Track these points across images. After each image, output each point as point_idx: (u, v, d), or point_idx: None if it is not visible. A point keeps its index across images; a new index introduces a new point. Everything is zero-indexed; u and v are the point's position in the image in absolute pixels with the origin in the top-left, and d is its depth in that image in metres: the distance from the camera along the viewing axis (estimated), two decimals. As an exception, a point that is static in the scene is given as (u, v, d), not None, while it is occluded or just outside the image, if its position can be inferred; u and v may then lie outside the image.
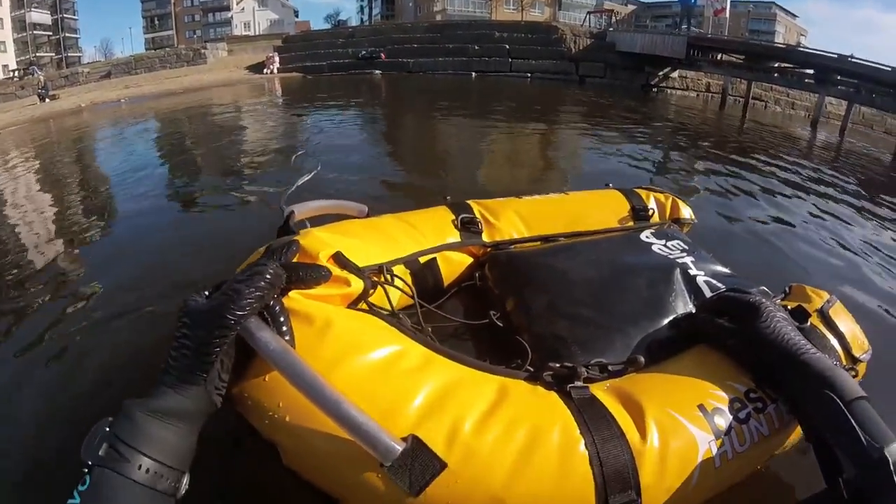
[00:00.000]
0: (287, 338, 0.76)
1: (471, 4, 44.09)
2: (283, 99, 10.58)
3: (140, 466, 0.63)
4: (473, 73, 17.69)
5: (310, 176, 1.61)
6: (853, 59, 14.20)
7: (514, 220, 1.49)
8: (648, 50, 17.55)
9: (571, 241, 1.47)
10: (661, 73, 18.38)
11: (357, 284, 0.98)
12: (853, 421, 0.74)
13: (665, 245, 1.42)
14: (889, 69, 13.26)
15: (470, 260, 1.41)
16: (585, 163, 4.28)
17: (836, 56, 15.26)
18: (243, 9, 53.59)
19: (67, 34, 54.38)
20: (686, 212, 1.76)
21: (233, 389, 0.77)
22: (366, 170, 3.29)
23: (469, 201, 1.51)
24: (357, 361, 0.77)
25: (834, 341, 1.08)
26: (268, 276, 0.75)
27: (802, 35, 71.76)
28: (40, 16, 49.65)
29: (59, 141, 7.54)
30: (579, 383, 0.88)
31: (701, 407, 0.87)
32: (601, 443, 0.77)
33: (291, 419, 0.73)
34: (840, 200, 3.71)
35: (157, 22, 59.68)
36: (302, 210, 1.26)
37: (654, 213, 1.71)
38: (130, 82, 21.40)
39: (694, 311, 1.16)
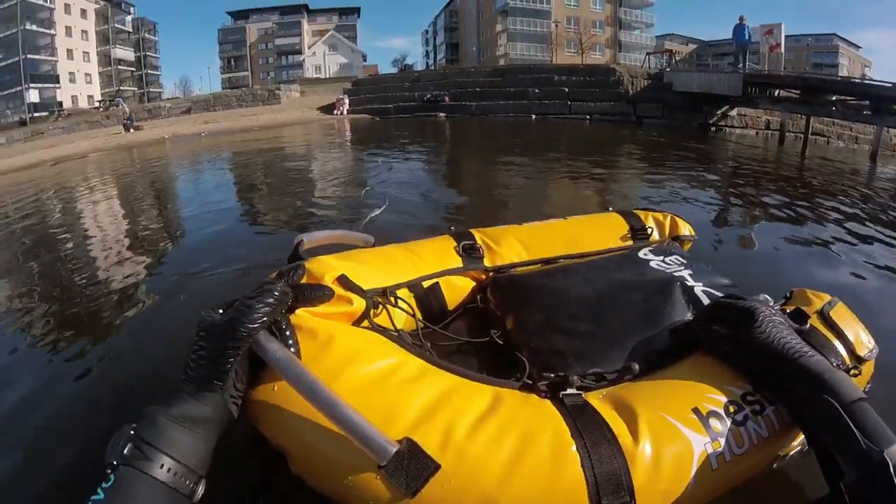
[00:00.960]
0: (293, 350, 0.83)
1: (532, 48, 44.94)
2: (352, 138, 10.97)
3: (162, 465, 0.68)
4: (534, 116, 18.12)
5: (378, 211, 1.93)
6: None
7: (514, 245, 1.54)
8: (705, 89, 17.70)
9: (570, 262, 1.51)
10: (718, 112, 18.40)
11: (360, 304, 1.05)
12: (852, 424, 0.74)
13: (663, 261, 1.46)
14: None
15: (472, 284, 1.46)
16: (640, 204, 4.05)
17: (890, 85, 15.03)
18: (314, 53, 56.97)
19: (149, 70, 58.89)
20: (685, 229, 1.82)
21: (245, 400, 0.84)
22: (428, 208, 3.37)
23: (471, 230, 1.57)
24: (357, 371, 0.83)
25: (836, 342, 1.09)
26: (276, 294, 0.84)
27: (867, 66, 68.73)
28: (124, 52, 53.79)
29: (144, 167, 8.19)
30: (572, 391, 0.93)
31: (695, 410, 0.89)
32: (592, 446, 0.80)
33: (297, 425, 0.79)
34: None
35: (233, 63, 64.05)
36: (311, 239, 1.32)
37: (652, 231, 1.77)
38: (209, 118, 22.84)
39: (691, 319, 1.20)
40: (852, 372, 1.07)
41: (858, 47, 69.41)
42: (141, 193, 5.46)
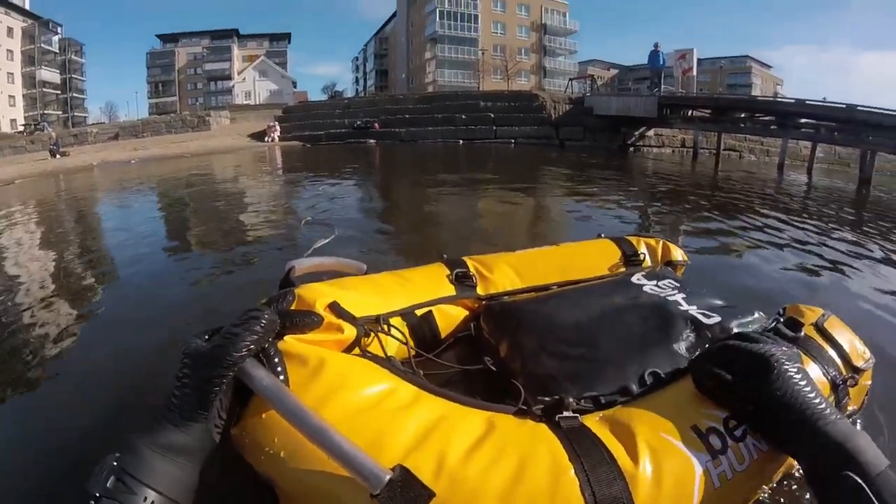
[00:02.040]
0: (281, 377, 0.81)
1: (460, 75, 45.71)
2: (285, 166, 10.87)
3: (146, 499, 0.67)
4: (461, 141, 18.49)
5: (327, 240, 1.88)
6: (809, 102, 15.03)
7: (507, 272, 1.53)
8: (623, 112, 18.49)
9: (564, 289, 1.50)
10: (636, 133, 19.28)
11: (350, 331, 1.03)
12: (875, 501, 0.69)
13: (656, 285, 1.45)
14: (843, 106, 13.92)
15: (465, 313, 1.43)
16: (568, 218, 4.50)
17: (793, 101, 16.25)
18: (244, 79, 55.80)
19: (75, 94, 56.11)
20: (678, 254, 1.83)
21: (232, 430, 0.82)
22: (367, 231, 3.38)
23: (464, 258, 1.55)
24: (347, 398, 0.81)
25: (832, 352, 1.11)
26: (263, 321, 0.82)
27: (779, 84, 74.00)
28: (50, 74, 51.23)
29: (73, 196, 7.88)
30: (568, 413, 0.90)
31: (694, 428, 0.87)
32: (591, 469, 0.77)
33: (286, 455, 0.76)
34: (809, 229, 4.22)
35: (161, 88, 62.03)
36: (302, 265, 1.33)
37: (645, 257, 1.77)
38: (138, 144, 22.16)
39: (690, 345, 1.18)
40: (848, 383, 1.08)
41: (770, 67, 74.39)
42: (69, 225, 5.15)
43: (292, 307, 1.01)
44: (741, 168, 14.51)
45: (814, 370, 1.05)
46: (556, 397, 0.93)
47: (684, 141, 19.93)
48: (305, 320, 0.95)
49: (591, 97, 20.75)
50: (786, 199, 6.73)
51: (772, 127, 16.28)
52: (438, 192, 5.75)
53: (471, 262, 1.53)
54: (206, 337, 0.83)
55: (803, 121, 15.56)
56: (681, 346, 1.16)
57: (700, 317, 1.25)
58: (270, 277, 2.21)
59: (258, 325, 0.81)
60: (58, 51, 52.65)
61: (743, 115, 17.30)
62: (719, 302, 1.36)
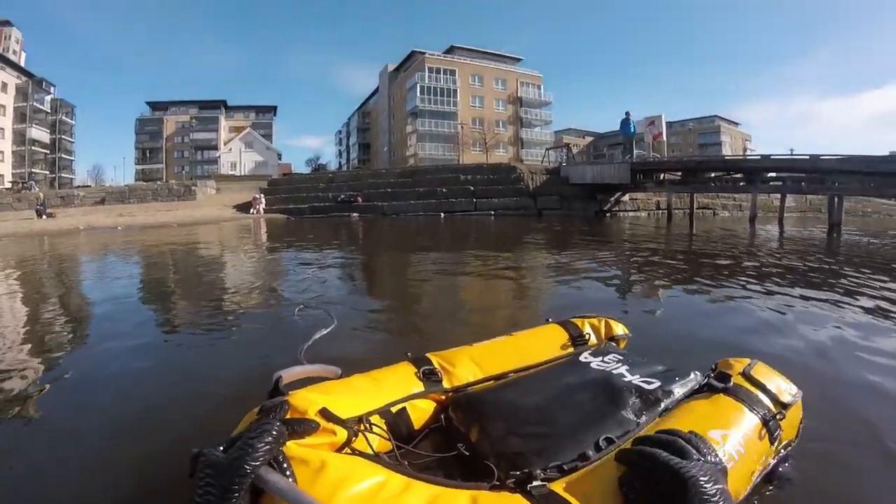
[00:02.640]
0: (291, 479, 0.89)
1: (440, 148, 46.86)
2: (273, 241, 10.82)
3: None
4: (442, 214, 18.86)
5: (327, 330, 1.91)
6: (774, 157, 15.76)
7: (468, 365, 1.64)
8: (598, 179, 19.16)
9: (521, 375, 1.64)
10: (612, 199, 19.92)
11: (342, 434, 1.15)
12: None
13: (602, 360, 1.62)
14: (806, 158, 14.59)
15: (434, 405, 1.53)
16: (548, 290, 4.60)
17: (758, 157, 16.99)
18: (231, 149, 56.60)
19: (63, 155, 56.29)
20: (619, 329, 2.02)
21: None
22: (361, 319, 3.32)
23: (428, 354, 1.66)
24: (349, 492, 0.89)
25: (760, 394, 1.32)
26: (274, 433, 0.91)
27: (747, 140, 76.45)
28: (40, 133, 51.26)
29: (58, 260, 7.77)
30: (537, 482, 1.02)
31: None
32: None
33: None
34: (776, 282, 4.54)
35: (148, 154, 62.29)
36: (288, 374, 1.41)
37: (590, 336, 1.95)
38: (124, 210, 22.41)
39: (636, 409, 1.34)
40: (777, 417, 1.28)
41: (737, 124, 77.05)
42: (52, 289, 5.12)
43: (288, 416, 1.10)
44: (716, 225, 14.95)
45: (744, 412, 1.27)
46: (525, 470, 1.08)
47: (658, 203, 20.55)
48: (304, 427, 1.06)
49: (567, 167, 21.50)
50: (756, 254, 6.97)
51: (741, 183, 16.99)
52: (423, 271, 5.82)
53: (434, 359, 1.63)
54: (223, 448, 0.91)
55: (770, 174, 16.29)
56: (628, 413, 1.33)
57: (643, 384, 1.44)
58: (258, 365, 2.16)
59: (270, 436, 0.91)
60: (49, 110, 53.13)
61: (712, 175, 17.97)
62: (660, 367, 1.56)
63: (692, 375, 1.50)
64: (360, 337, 2.85)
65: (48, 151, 53.18)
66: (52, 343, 2.98)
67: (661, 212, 19.81)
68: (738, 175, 17.17)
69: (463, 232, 12.04)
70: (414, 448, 1.40)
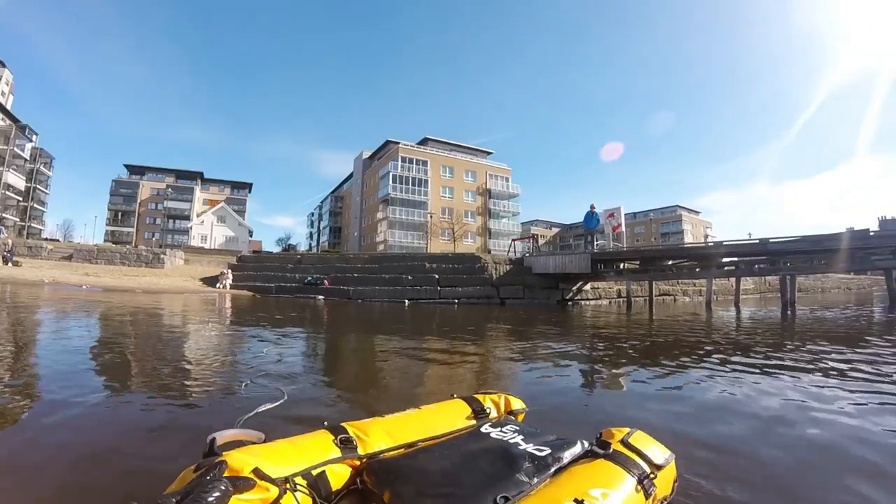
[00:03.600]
0: None
1: (410, 236, 47.76)
2: (232, 315, 10.88)
3: None
4: (407, 301, 18.91)
5: (275, 405, 2.08)
6: (726, 243, 16.46)
7: (381, 435, 1.77)
8: (560, 269, 19.63)
9: (428, 443, 1.79)
10: (574, 288, 20.36)
11: (274, 491, 1.28)
12: None
13: (500, 431, 1.83)
14: (756, 241, 15.24)
15: (350, 470, 1.64)
16: (506, 376, 4.72)
17: (712, 244, 17.78)
18: (203, 221, 56.76)
19: (36, 205, 55.67)
20: (517, 404, 2.27)
21: None
22: (310, 396, 3.38)
23: (343, 424, 1.79)
24: None
25: (637, 458, 1.59)
26: (222, 488, 1.06)
27: (708, 227, 79.48)
28: (16, 179, 50.34)
29: (19, 311, 7.80)
30: None
31: None
32: None
33: None
34: (707, 364, 5.00)
35: (120, 217, 62.40)
36: (222, 436, 1.52)
37: (491, 410, 2.16)
38: (90, 270, 22.12)
39: (529, 472, 1.53)
40: (651, 476, 1.55)
41: (698, 213, 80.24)
42: (5, 343, 5.12)
43: (226, 474, 1.22)
44: (675, 311, 15.34)
45: (622, 473, 1.53)
46: None
47: (619, 291, 21.04)
48: (243, 485, 1.17)
49: (530, 258, 22.05)
50: (709, 338, 7.38)
51: (696, 270, 17.68)
52: (380, 353, 5.93)
53: (350, 428, 1.75)
54: (175, 501, 1.01)
55: (725, 259, 17.01)
56: (523, 476, 1.50)
57: (535, 451, 1.64)
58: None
59: (219, 491, 1.03)
60: (28, 158, 52.67)
61: (669, 262, 18.71)
62: (552, 437, 1.77)
63: (578, 444, 1.71)
64: (303, 410, 2.90)
65: (21, 199, 52.57)
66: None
67: (621, 300, 20.28)
68: (694, 262, 17.96)
69: (425, 318, 12.14)
70: None
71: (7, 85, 54.04)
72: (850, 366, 4.72)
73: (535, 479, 1.50)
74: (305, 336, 7.46)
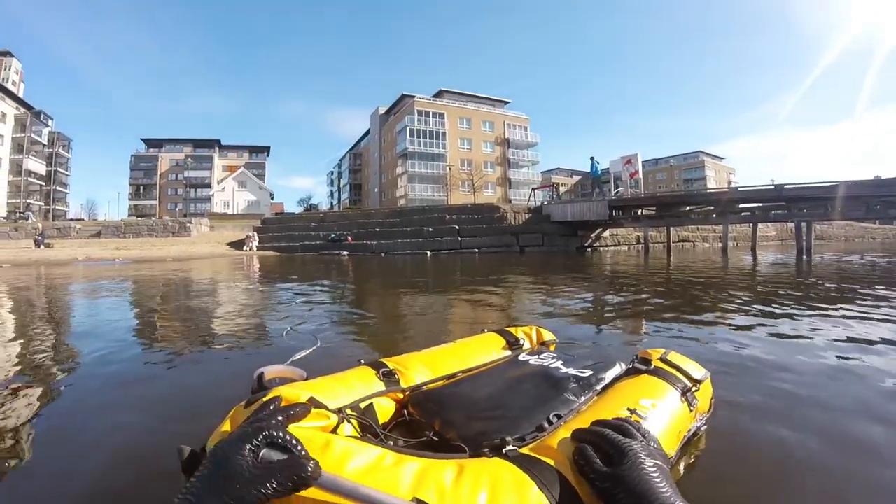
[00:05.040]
0: (304, 454, 0.91)
1: (430, 189, 47.75)
2: (261, 275, 11.02)
3: None
4: (429, 253, 19.33)
5: (308, 351, 2.03)
6: (741, 188, 16.44)
7: (420, 368, 1.76)
8: (578, 217, 19.86)
9: (469, 374, 1.81)
10: (592, 235, 20.65)
11: (333, 418, 1.22)
12: None
13: (538, 358, 1.87)
14: (771, 187, 15.22)
15: (395, 404, 1.63)
16: (530, 315, 4.81)
17: (726, 189, 17.75)
18: (224, 188, 57.06)
19: (58, 187, 56.67)
20: (548, 336, 2.31)
21: None
22: (343, 343, 3.48)
23: (382, 359, 1.78)
24: (354, 465, 0.98)
25: (677, 373, 1.63)
26: (280, 417, 1.01)
27: (731, 174, 77.06)
28: (36, 164, 51.58)
29: (59, 288, 8.04)
30: (509, 448, 1.17)
31: None
32: (540, 473, 1.04)
33: None
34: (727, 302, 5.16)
35: (142, 190, 62.94)
36: (268, 371, 1.51)
37: (524, 341, 2.19)
38: (120, 244, 22.91)
39: (576, 391, 1.55)
40: (693, 390, 1.60)
41: (721, 158, 77.74)
42: (58, 312, 5.35)
43: (283, 404, 1.15)
44: (693, 257, 15.41)
45: (666, 386, 1.56)
46: (496, 440, 1.22)
47: (638, 238, 21.21)
48: (300, 411, 1.09)
49: (549, 206, 22.29)
50: (721, 282, 7.44)
51: (713, 216, 17.68)
52: (407, 301, 6.12)
53: (389, 363, 1.75)
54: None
55: (742, 206, 16.94)
56: (570, 395, 1.54)
57: (578, 373, 1.68)
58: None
59: (281, 418, 1.01)
60: (46, 142, 53.73)
61: (687, 208, 18.69)
62: (589, 362, 1.80)
63: (617, 365, 1.76)
64: (337, 355, 2.96)
65: (43, 183, 53.64)
66: (62, 351, 3.32)
67: (640, 245, 20.48)
68: (710, 207, 17.92)
69: (449, 268, 12.45)
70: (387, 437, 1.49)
71: (17, 74, 54.33)
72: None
73: (583, 398, 1.53)
74: (333, 290, 7.63)
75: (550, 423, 1.36)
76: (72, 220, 38.83)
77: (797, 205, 15.03)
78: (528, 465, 1.08)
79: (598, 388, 1.61)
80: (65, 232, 26.16)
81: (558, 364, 1.79)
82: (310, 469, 0.84)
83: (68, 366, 2.97)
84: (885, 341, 3.20)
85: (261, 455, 0.86)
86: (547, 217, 21.23)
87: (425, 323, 4.71)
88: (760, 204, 16.49)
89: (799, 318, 4.18)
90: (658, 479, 0.94)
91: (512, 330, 2.24)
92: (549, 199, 26.56)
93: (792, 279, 8.17)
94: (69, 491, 1.45)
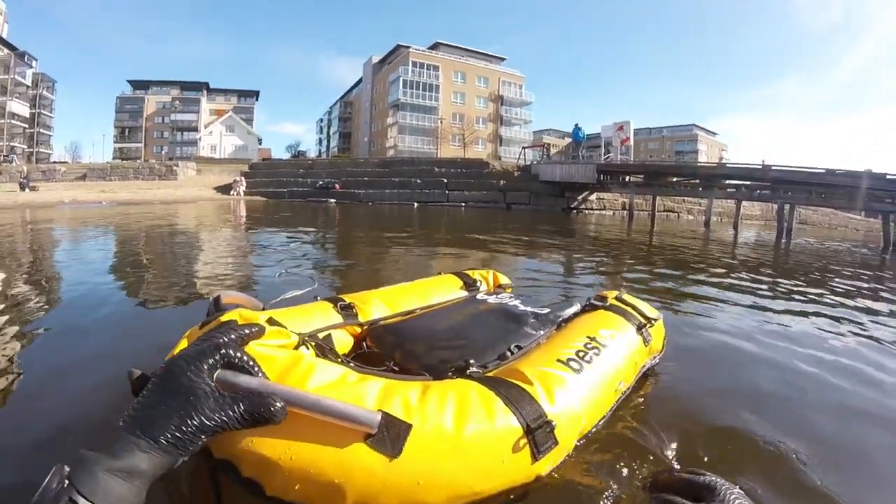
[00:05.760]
0: (260, 376, 0.87)
1: (420, 141, 47.08)
2: (248, 219, 11.13)
3: None
4: (415, 204, 19.35)
5: (303, 291, 1.94)
6: (729, 164, 16.59)
7: (378, 304, 1.76)
8: (566, 178, 20.00)
9: (426, 311, 1.81)
10: (579, 197, 20.76)
11: (294, 338, 1.15)
12: None
13: (496, 297, 1.94)
14: (759, 166, 15.44)
15: (352, 339, 1.62)
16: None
17: (715, 164, 17.92)
18: (211, 132, 55.62)
19: (42, 130, 54.52)
20: (504, 280, 2.35)
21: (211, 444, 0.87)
22: (328, 284, 3.50)
23: (341, 295, 1.76)
24: (317, 381, 0.95)
25: (632, 311, 1.71)
26: (233, 335, 0.92)
27: (724, 150, 76.85)
28: (20, 106, 49.82)
29: (44, 229, 7.87)
30: (473, 369, 1.21)
31: (558, 360, 1.27)
32: (506, 391, 1.08)
33: (281, 441, 0.86)
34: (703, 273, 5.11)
35: (127, 133, 60.54)
36: (226, 295, 1.43)
37: (481, 283, 2.22)
38: (105, 187, 22.52)
39: (535, 325, 1.60)
40: (648, 327, 1.68)
41: (715, 134, 77.53)
42: (35, 258, 5.12)
43: (240, 323, 1.07)
44: (676, 227, 15.66)
45: (623, 321, 1.64)
46: (461, 362, 1.26)
47: (624, 204, 21.36)
48: (258, 330, 1.00)
49: (538, 165, 22.32)
50: (698, 252, 7.61)
51: (699, 189, 17.86)
52: (391, 250, 6.13)
53: (348, 298, 1.75)
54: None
55: (728, 182, 17.15)
56: (529, 328, 1.57)
57: (537, 311, 1.73)
58: None
59: (236, 336, 0.92)
60: (30, 84, 51.72)
61: (674, 179, 18.89)
62: (545, 303, 1.89)
63: (576, 304, 1.83)
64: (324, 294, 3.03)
65: (27, 126, 51.56)
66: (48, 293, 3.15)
67: (625, 212, 20.61)
68: (697, 181, 18.11)
69: (434, 219, 12.62)
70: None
71: (0, 15, 51.92)
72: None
73: (542, 332, 1.56)
74: (321, 235, 7.73)
75: (512, 352, 1.40)
76: (56, 162, 37.84)
77: (783, 186, 15.17)
78: (494, 384, 1.11)
79: (557, 322, 1.66)
80: (49, 175, 25.59)
81: (516, 303, 1.84)
82: (275, 408, 0.80)
83: (50, 300, 2.94)
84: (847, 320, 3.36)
85: (216, 375, 0.81)
86: (535, 176, 21.30)
87: (407, 267, 4.75)
88: (748, 182, 16.61)
89: (762, 286, 4.35)
90: None
91: (469, 272, 2.28)
92: (538, 159, 26.56)
93: (769, 254, 8.42)
94: (39, 416, 1.44)
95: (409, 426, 0.90)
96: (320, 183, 22.58)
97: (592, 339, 1.44)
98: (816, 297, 4.00)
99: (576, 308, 1.80)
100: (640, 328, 1.66)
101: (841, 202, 14.77)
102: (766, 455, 1.38)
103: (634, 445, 1.35)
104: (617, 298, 1.80)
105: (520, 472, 1.03)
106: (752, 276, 5.07)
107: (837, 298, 4.01)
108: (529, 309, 1.75)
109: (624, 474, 1.21)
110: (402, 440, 0.88)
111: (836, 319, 3.22)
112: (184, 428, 0.74)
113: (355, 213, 14.14)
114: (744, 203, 16.73)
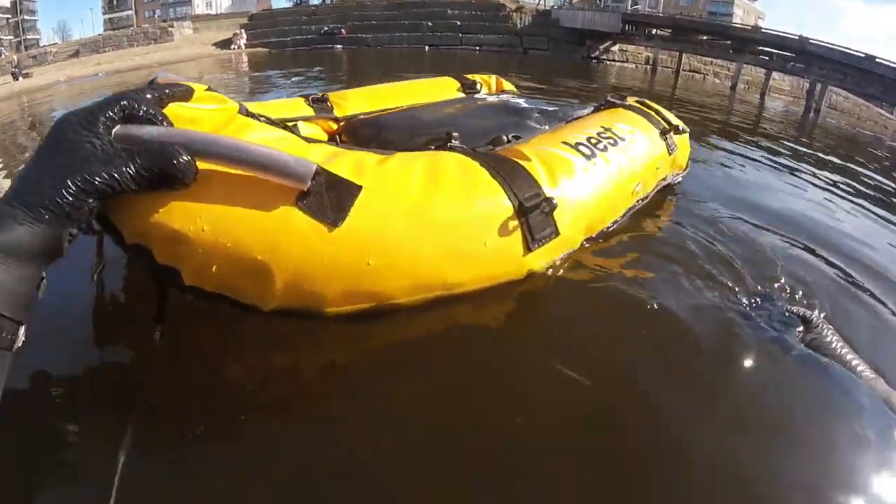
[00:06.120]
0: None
1: (431, -17, 44.41)
2: (251, 67, 11.19)
3: None
4: (427, 47, 18.49)
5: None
6: (764, 30, 15.57)
7: (361, 100, 1.53)
8: (588, 25, 18.69)
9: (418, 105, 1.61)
10: (601, 47, 19.53)
11: (231, 105, 0.80)
12: None
13: (498, 97, 1.76)
14: (795, 38, 14.44)
15: (325, 135, 1.42)
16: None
17: (750, 27, 16.74)
18: None
19: (26, 16, 51.60)
20: (509, 86, 2.09)
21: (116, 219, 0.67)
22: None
23: (320, 93, 1.53)
24: (255, 137, 0.75)
25: (654, 114, 1.46)
26: (150, 94, 0.68)
27: (761, 18, 71.98)
28: None
29: (46, 108, 7.84)
30: (456, 143, 1.04)
31: (565, 143, 1.07)
32: (495, 164, 0.87)
33: (194, 208, 0.65)
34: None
35: (115, 2, 58.63)
36: (166, 77, 1.01)
37: (482, 87, 1.98)
38: (101, 60, 21.57)
39: (540, 120, 1.41)
40: (672, 133, 1.46)
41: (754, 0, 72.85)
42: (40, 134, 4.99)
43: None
44: (699, 88, 14.85)
45: (644, 120, 1.41)
46: (443, 135, 1.08)
47: (648, 58, 20.24)
48: (179, 89, 0.73)
49: (559, 10, 20.85)
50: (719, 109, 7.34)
51: (730, 51, 16.81)
52: (404, 77, 6.29)
53: (330, 95, 1.53)
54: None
55: (760, 49, 16.03)
56: (533, 122, 1.39)
57: (544, 107, 1.53)
58: None
59: (147, 92, 0.69)
60: None
61: (704, 38, 17.73)
62: (555, 103, 1.71)
63: (590, 106, 1.60)
64: None
65: (10, 16, 48.56)
66: None
67: (648, 66, 19.62)
68: (728, 42, 16.97)
69: (446, 62, 12.19)
70: None
71: None
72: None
73: (547, 126, 1.36)
74: (326, 76, 7.76)
75: (509, 141, 1.19)
76: (45, 46, 35.87)
77: (818, 63, 14.14)
78: (480, 156, 0.92)
79: (567, 120, 1.42)
80: (41, 59, 23.84)
81: (520, 100, 1.64)
82: (179, 161, 0.61)
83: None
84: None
85: (114, 131, 0.63)
86: (556, 21, 19.87)
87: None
88: (782, 52, 15.47)
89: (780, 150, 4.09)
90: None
91: (469, 76, 2.01)
92: (559, 4, 24.91)
93: (793, 124, 8.06)
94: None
95: (359, 187, 0.70)
96: (325, 29, 21.42)
97: (608, 129, 1.23)
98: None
99: (590, 110, 1.56)
100: (664, 133, 1.43)
101: (875, 92, 13.80)
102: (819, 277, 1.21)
103: (660, 251, 1.14)
104: (639, 101, 1.55)
105: (508, 263, 0.84)
106: (778, 139, 4.79)
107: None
108: (534, 105, 1.55)
109: (645, 281, 0.99)
110: (347, 204, 0.69)
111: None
112: (63, 190, 0.57)
113: (364, 57, 13.73)
114: (773, 75, 15.75)
